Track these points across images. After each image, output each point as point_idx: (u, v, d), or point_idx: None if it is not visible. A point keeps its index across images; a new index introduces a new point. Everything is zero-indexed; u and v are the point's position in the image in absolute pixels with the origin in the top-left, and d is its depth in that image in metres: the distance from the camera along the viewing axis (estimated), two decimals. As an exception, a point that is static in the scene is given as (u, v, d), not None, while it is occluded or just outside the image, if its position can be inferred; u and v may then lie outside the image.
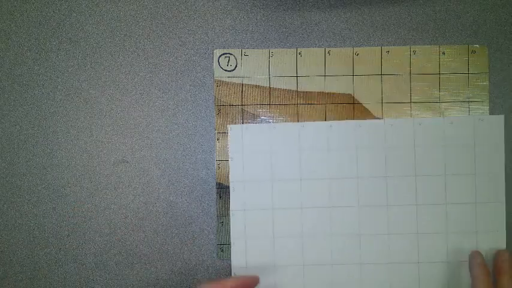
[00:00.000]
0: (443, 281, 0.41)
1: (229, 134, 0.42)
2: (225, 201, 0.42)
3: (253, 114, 0.42)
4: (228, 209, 0.42)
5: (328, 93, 0.43)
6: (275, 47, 0.43)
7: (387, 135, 0.42)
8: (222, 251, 0.42)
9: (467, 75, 0.42)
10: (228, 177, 0.42)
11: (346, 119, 0.42)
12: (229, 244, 0.42)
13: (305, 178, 0.42)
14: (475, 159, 0.41)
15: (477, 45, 0.42)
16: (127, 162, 0.43)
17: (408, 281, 0.42)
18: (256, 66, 0.43)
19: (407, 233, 0.42)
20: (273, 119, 0.43)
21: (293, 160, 0.42)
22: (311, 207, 0.42)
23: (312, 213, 0.42)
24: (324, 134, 0.42)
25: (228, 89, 0.43)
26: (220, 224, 0.42)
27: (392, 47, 0.42)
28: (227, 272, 0.42)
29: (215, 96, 0.43)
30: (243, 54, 0.43)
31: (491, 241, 0.41)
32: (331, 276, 0.42)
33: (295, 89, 0.43)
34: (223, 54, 0.43)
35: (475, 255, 0.39)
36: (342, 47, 0.42)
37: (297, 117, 0.43)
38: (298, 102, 0.43)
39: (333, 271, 0.42)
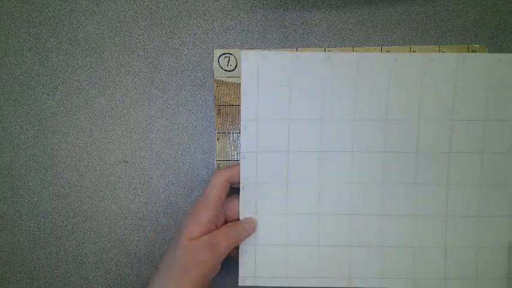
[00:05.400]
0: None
1: (242, 63, 0.37)
2: (225, 201, 0.42)
3: (253, 114, 0.42)
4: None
5: (328, 93, 0.42)
6: (275, 47, 0.43)
7: (425, 75, 0.37)
8: (222, 251, 0.42)
9: (467, 74, 0.42)
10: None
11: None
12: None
13: (327, 119, 0.38)
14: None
15: (477, 45, 0.42)
16: (127, 162, 0.43)
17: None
18: (256, 66, 0.43)
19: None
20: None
21: (315, 98, 0.37)
22: (331, 152, 0.38)
23: (332, 159, 0.38)
24: (352, 68, 0.37)
25: (228, 89, 0.43)
26: (220, 224, 0.42)
27: (392, 47, 0.42)
28: (227, 272, 0.42)
29: (215, 96, 0.43)
30: (243, 54, 0.43)
31: None
32: (349, 226, 0.38)
33: (295, 88, 0.42)
34: (223, 54, 0.43)
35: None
36: (342, 47, 0.42)
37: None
38: (298, 102, 0.42)
39: (352, 220, 0.38)
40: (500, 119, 0.38)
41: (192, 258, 0.33)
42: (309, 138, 0.38)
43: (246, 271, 0.39)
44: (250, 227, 0.38)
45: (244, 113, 0.38)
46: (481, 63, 0.37)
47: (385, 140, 0.38)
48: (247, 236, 0.38)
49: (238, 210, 0.38)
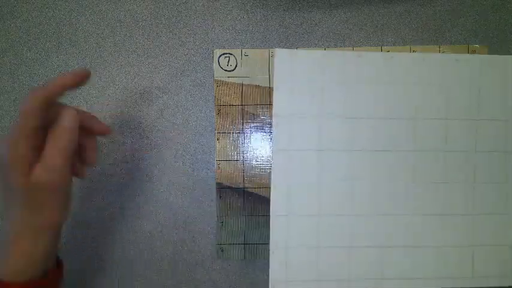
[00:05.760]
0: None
1: (274, 59, 0.39)
2: (225, 201, 0.42)
3: (253, 114, 0.42)
4: (228, 209, 0.42)
5: (328, 93, 0.42)
6: (275, 47, 0.43)
7: (451, 71, 0.39)
8: (222, 251, 0.42)
9: (467, 74, 0.42)
10: (227, 177, 0.42)
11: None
12: (229, 244, 0.42)
13: (355, 117, 0.38)
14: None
15: (477, 45, 0.42)
16: (127, 162, 0.43)
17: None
18: (256, 66, 0.43)
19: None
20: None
21: (347, 94, 0.38)
22: (361, 150, 0.37)
23: (361, 156, 0.38)
24: (382, 66, 0.39)
25: (228, 89, 0.43)
26: (220, 224, 0.42)
27: (392, 47, 0.42)
28: (227, 272, 0.42)
29: (215, 96, 0.43)
30: (243, 54, 0.43)
31: None
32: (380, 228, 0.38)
33: (295, 88, 0.42)
34: (223, 54, 0.43)
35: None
36: (341, 47, 0.42)
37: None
38: (298, 102, 0.42)
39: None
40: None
41: (43, 192, 0.30)
42: (340, 137, 0.38)
43: (276, 274, 0.37)
44: (70, 117, 0.31)
45: (277, 108, 0.38)
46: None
47: (414, 139, 0.38)
48: (75, 130, 0.31)
49: (65, 117, 0.31)
